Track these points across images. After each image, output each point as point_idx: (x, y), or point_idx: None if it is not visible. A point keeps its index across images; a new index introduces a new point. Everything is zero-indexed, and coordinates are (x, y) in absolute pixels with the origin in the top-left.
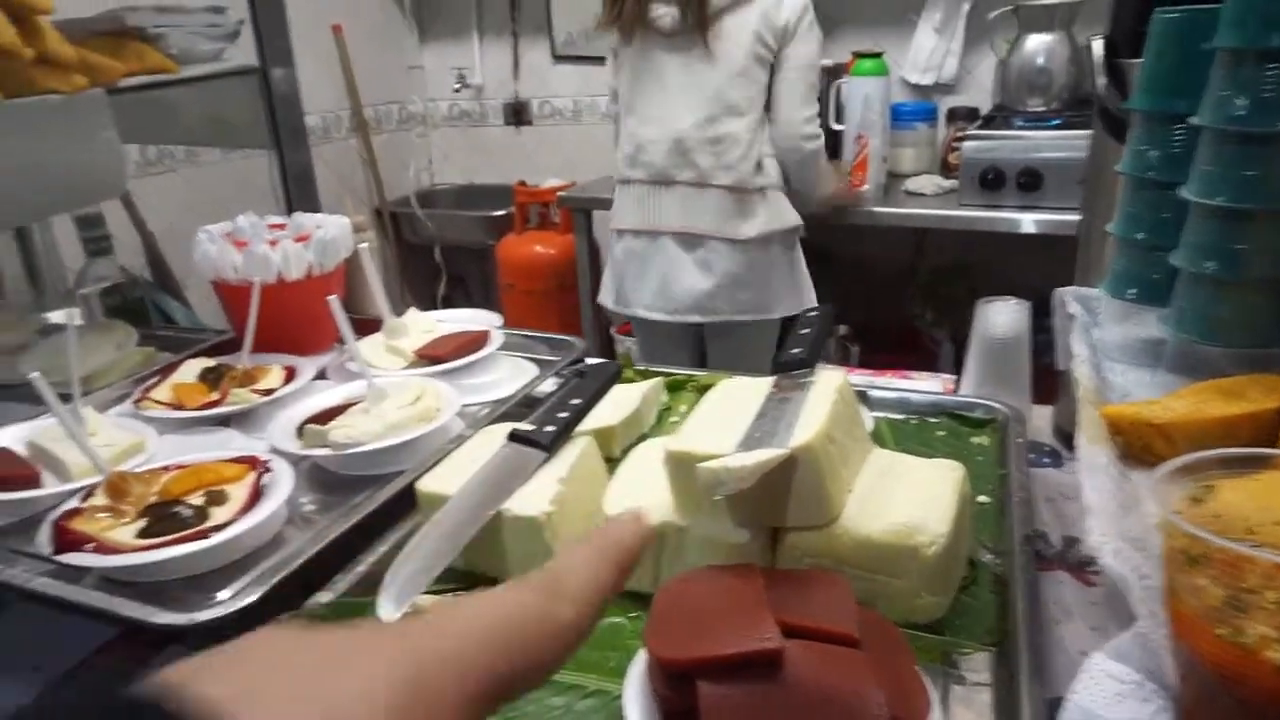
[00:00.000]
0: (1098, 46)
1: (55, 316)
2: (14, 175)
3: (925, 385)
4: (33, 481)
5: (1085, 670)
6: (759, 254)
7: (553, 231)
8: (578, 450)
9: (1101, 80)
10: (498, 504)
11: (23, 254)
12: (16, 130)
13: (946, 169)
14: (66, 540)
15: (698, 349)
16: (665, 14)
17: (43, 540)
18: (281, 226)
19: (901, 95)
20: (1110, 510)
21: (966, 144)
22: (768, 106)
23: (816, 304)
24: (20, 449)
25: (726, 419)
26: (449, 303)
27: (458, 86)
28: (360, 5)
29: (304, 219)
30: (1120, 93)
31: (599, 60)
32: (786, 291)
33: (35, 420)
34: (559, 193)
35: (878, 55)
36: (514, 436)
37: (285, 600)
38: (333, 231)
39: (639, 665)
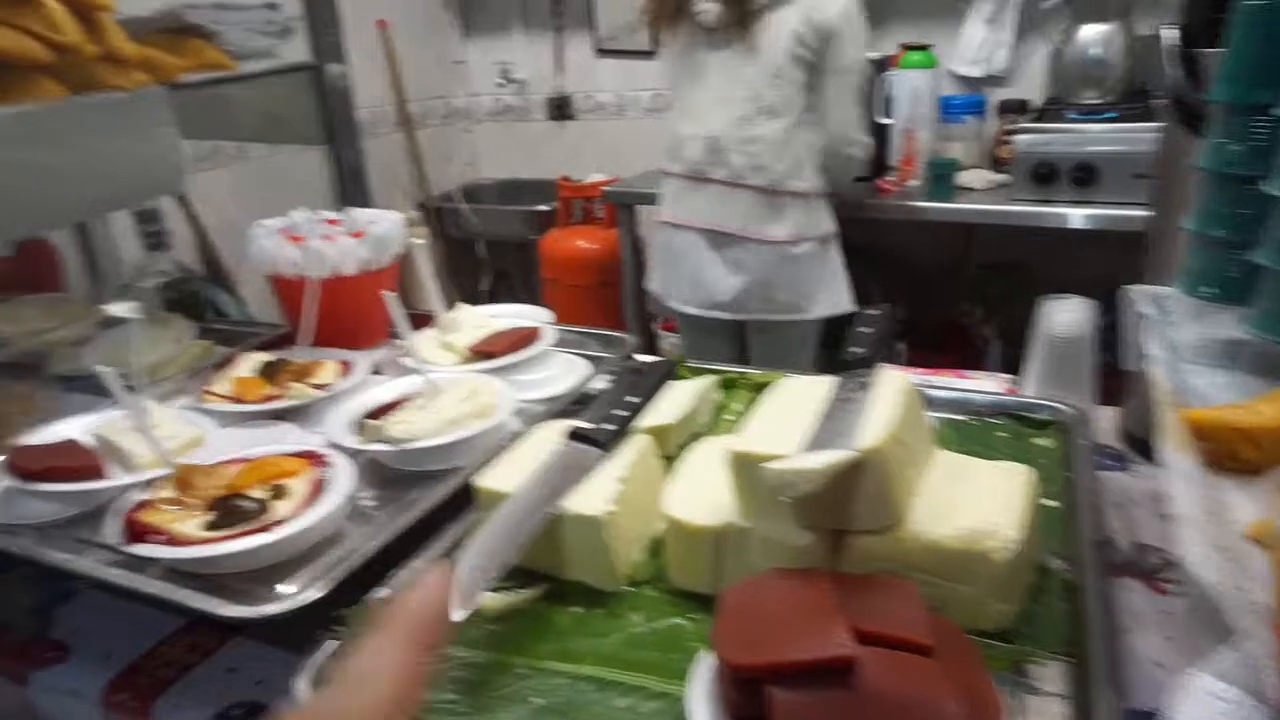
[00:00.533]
0: (1169, 36)
1: (115, 309)
2: (78, 171)
3: (984, 385)
4: (99, 473)
5: (1186, 689)
6: (790, 256)
7: (596, 226)
8: (636, 449)
9: (1174, 71)
10: (557, 502)
11: (82, 248)
12: (80, 127)
13: (997, 163)
14: (136, 532)
15: (739, 345)
16: (708, 9)
17: (113, 531)
18: (336, 222)
19: (949, 88)
20: (1198, 519)
21: (1019, 138)
22: (809, 108)
23: (853, 306)
24: (85, 440)
25: (789, 419)
26: (493, 297)
27: (501, 81)
28: (405, 1)
29: (358, 214)
30: (1194, 84)
31: (642, 54)
32: (821, 294)
33: (99, 412)
34: (603, 187)
35: (926, 48)
36: (572, 434)
37: (346, 594)
38: (386, 227)
39: (703, 668)
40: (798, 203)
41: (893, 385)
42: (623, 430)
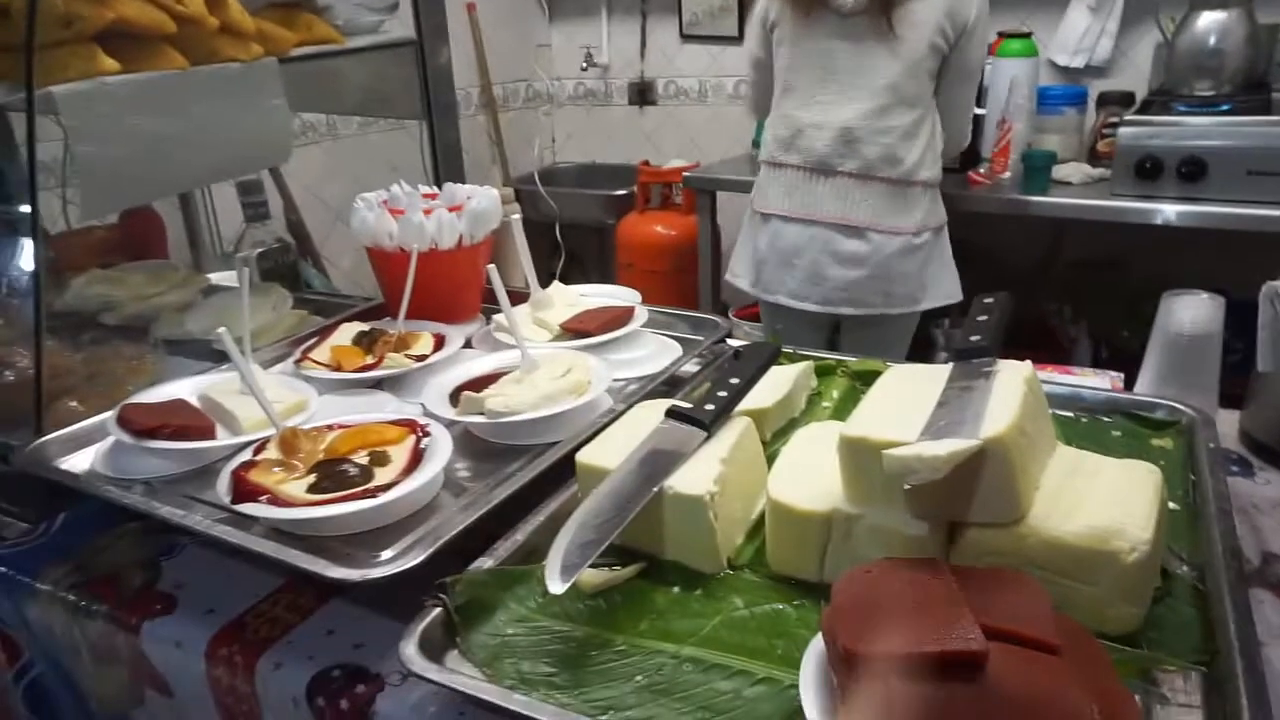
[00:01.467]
0: None
1: (216, 277)
2: (196, 140)
3: (1092, 382)
4: (208, 433)
5: None
6: (913, 247)
7: (674, 212)
8: (737, 431)
9: None
10: (659, 481)
11: (184, 217)
12: (198, 97)
13: (1095, 157)
14: (244, 491)
15: (829, 338)
16: None
17: (222, 489)
18: (433, 196)
19: (1046, 78)
20: None
21: (1123, 130)
22: (933, 96)
23: (962, 295)
24: (193, 401)
25: (904, 406)
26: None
27: (584, 65)
28: None
29: (456, 190)
30: None
31: (727, 40)
32: (935, 284)
33: (204, 375)
34: (684, 173)
35: (1026, 36)
36: (673, 414)
37: (443, 562)
38: (484, 203)
39: (815, 654)
40: (925, 193)
41: (1016, 375)
42: (724, 411)
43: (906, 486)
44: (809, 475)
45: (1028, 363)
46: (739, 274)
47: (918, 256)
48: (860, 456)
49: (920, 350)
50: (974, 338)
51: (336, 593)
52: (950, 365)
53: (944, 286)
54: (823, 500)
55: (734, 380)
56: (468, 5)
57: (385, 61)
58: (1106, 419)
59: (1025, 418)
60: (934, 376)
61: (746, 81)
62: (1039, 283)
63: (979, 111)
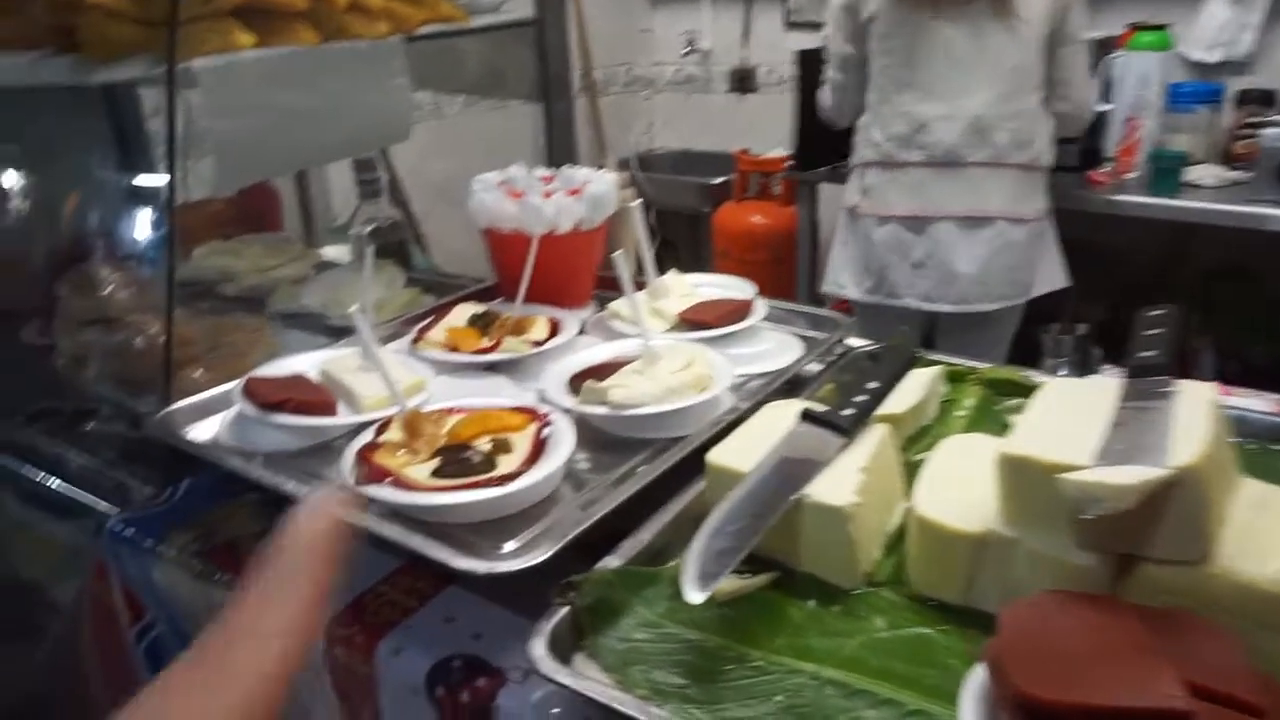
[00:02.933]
0: None
1: (328, 252)
2: (324, 116)
3: (1250, 404)
4: (330, 409)
5: None
6: (1038, 233)
7: (773, 202)
8: (877, 438)
9: None
10: (797, 488)
11: (298, 190)
12: (327, 73)
13: (1231, 159)
14: (370, 473)
15: (927, 335)
16: None
17: (346, 469)
18: (550, 179)
19: (1179, 74)
20: None
21: (1266, 131)
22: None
23: (1069, 281)
24: (313, 376)
25: (1071, 424)
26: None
27: (686, 51)
28: None
29: (573, 173)
30: None
31: None
32: (1049, 270)
33: (324, 350)
34: (785, 163)
35: (1161, 28)
36: (809, 416)
37: (563, 556)
38: (602, 187)
39: (975, 692)
40: (1044, 177)
41: (1199, 398)
42: (863, 417)
43: (1086, 516)
44: (957, 491)
45: (1212, 384)
46: (845, 284)
47: (1039, 243)
48: (1023, 476)
49: (1026, 357)
50: (1148, 353)
51: (453, 579)
52: (1118, 382)
53: (1052, 273)
54: (974, 519)
55: (872, 384)
56: None
57: (503, 41)
58: (1276, 447)
59: (1214, 447)
60: (1100, 394)
61: (829, 84)
62: (1160, 290)
63: (1104, 107)
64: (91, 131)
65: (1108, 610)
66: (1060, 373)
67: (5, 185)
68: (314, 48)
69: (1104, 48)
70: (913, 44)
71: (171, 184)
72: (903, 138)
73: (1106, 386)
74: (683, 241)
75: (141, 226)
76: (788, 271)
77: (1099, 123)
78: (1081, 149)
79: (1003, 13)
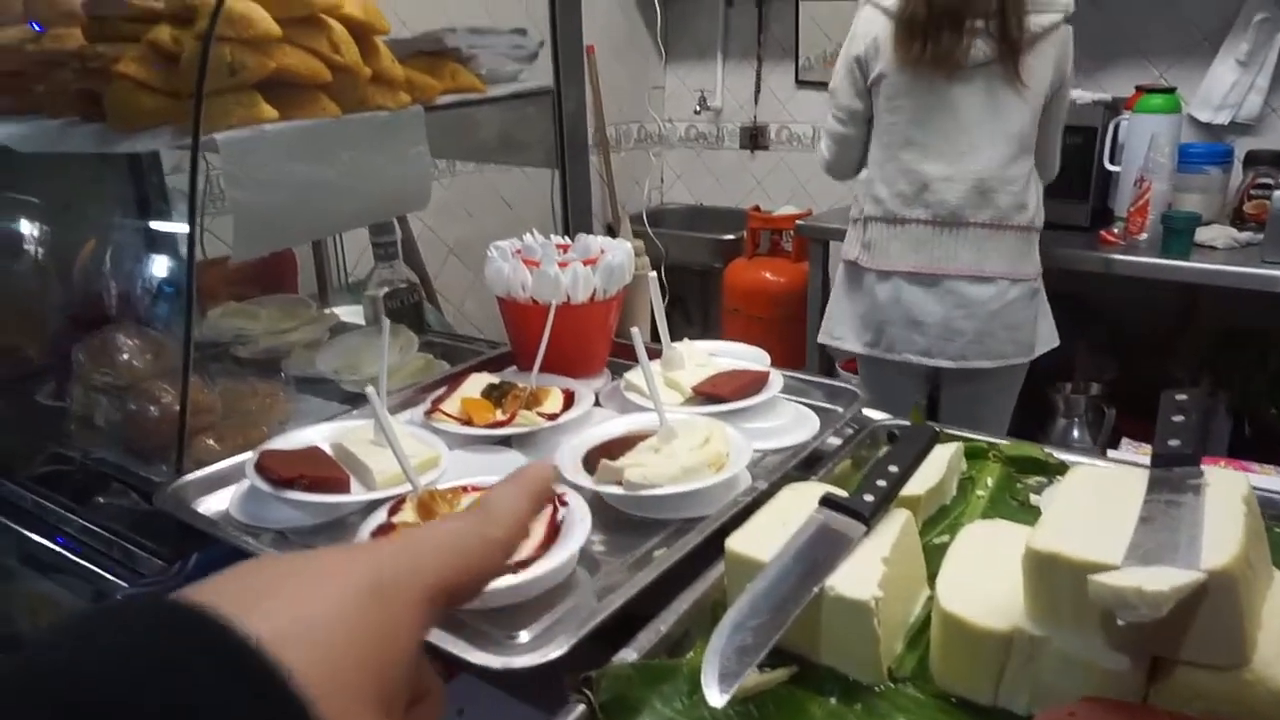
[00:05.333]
0: None
1: (343, 313)
2: (345, 185)
3: (1275, 484)
4: (343, 486)
5: None
6: (1035, 292)
7: (784, 259)
8: (898, 525)
9: None
10: (819, 580)
11: (314, 252)
12: (349, 143)
13: (1241, 219)
14: None
15: (931, 392)
16: (978, 47)
17: None
18: (566, 247)
19: (1189, 135)
20: None
21: (1278, 193)
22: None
23: (1058, 341)
24: (324, 447)
25: (1098, 516)
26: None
27: (698, 108)
28: (612, 27)
29: (590, 241)
30: None
31: None
32: (1044, 330)
33: (337, 420)
34: (797, 221)
35: (1169, 91)
36: (829, 503)
37: (582, 648)
38: (618, 257)
39: None
40: (1039, 237)
41: (1231, 491)
42: (884, 503)
43: (1120, 623)
44: (981, 582)
45: (1244, 475)
46: (842, 336)
47: (1035, 301)
48: (1050, 573)
49: (1037, 417)
50: (1173, 442)
51: (465, 666)
52: (1146, 472)
53: (1046, 332)
54: (1001, 615)
55: (892, 468)
56: (587, 47)
57: (520, 109)
58: None
59: (1249, 544)
60: (1128, 484)
61: (830, 135)
62: (1171, 351)
63: (1113, 168)
64: (113, 190)
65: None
66: (1074, 434)
67: (26, 243)
68: (336, 119)
69: (1112, 110)
70: (921, 104)
71: (191, 254)
72: (907, 195)
73: (1132, 477)
74: (693, 297)
75: (160, 290)
76: (798, 328)
77: (1108, 182)
78: (1092, 208)
79: (1013, 79)
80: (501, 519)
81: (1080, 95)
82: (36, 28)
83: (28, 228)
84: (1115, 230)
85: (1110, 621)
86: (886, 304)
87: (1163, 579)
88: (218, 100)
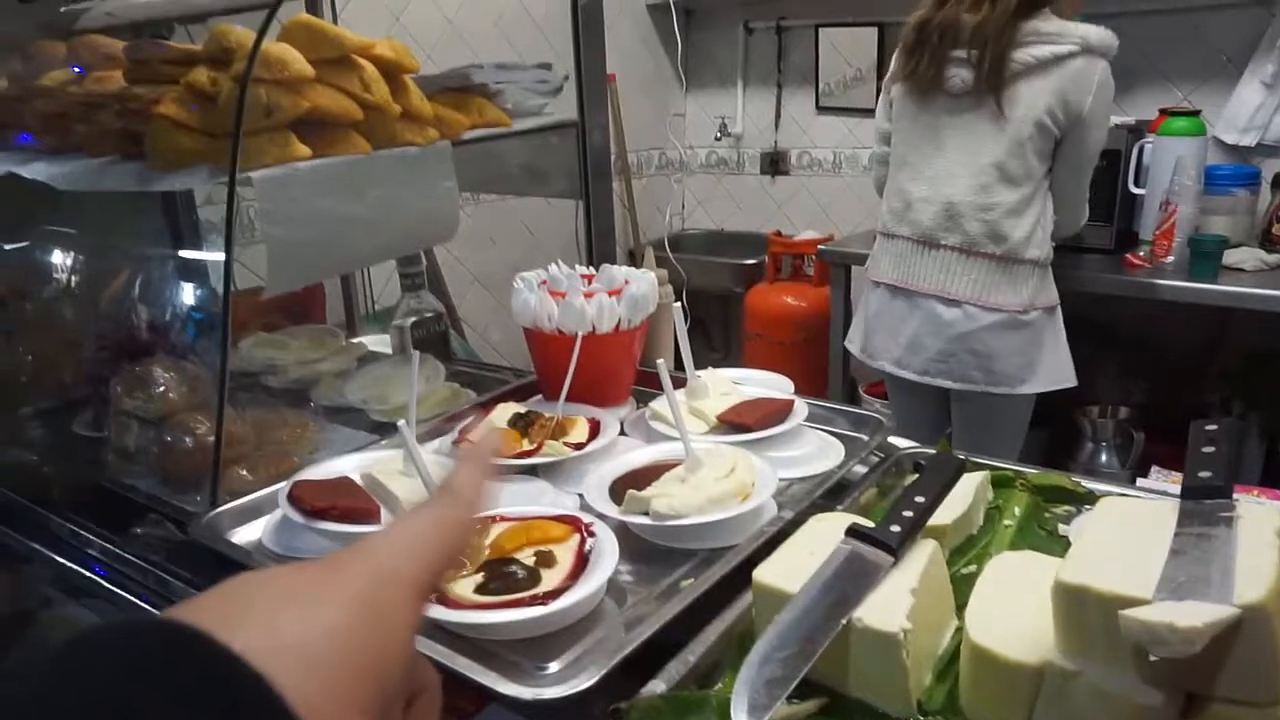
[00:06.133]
0: None
1: (369, 342)
2: (372, 220)
3: None
4: (374, 517)
5: None
6: (1019, 324)
7: (805, 284)
8: (925, 556)
9: None
10: (847, 612)
11: (341, 282)
12: (379, 179)
13: (1270, 241)
14: None
15: (945, 415)
16: (957, 75)
17: None
18: (591, 278)
19: (1214, 157)
20: None
21: None
22: (1045, 176)
23: (1074, 381)
24: (354, 477)
25: (1128, 550)
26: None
27: (719, 135)
28: (633, 56)
29: (614, 272)
30: None
31: (862, 112)
32: (1045, 366)
33: (367, 451)
34: (819, 245)
35: (1194, 113)
36: (856, 534)
37: (610, 678)
38: (643, 287)
39: None
40: (1034, 271)
41: (1263, 523)
42: (911, 534)
43: (1153, 658)
44: (1010, 614)
45: (1277, 506)
46: (852, 339)
47: (1023, 335)
48: (1081, 606)
49: (1064, 442)
50: (1204, 474)
51: (496, 697)
52: (1177, 503)
53: (1055, 371)
54: (1031, 648)
55: (919, 498)
56: (608, 75)
57: (545, 141)
58: None
59: None
60: (1159, 515)
61: (872, 155)
62: (1200, 374)
63: (1138, 192)
64: (147, 224)
65: None
66: (1101, 458)
67: (64, 276)
68: (367, 156)
69: (1135, 133)
70: (914, 127)
71: (227, 289)
72: (897, 213)
73: (1162, 509)
74: (714, 322)
75: (194, 322)
76: (820, 353)
77: (1133, 206)
78: (1116, 231)
79: (990, 111)
80: (465, 499)
81: None
82: (79, 70)
83: (66, 261)
84: (1141, 254)
85: (1142, 656)
86: (874, 312)
87: (1195, 614)
88: (253, 139)
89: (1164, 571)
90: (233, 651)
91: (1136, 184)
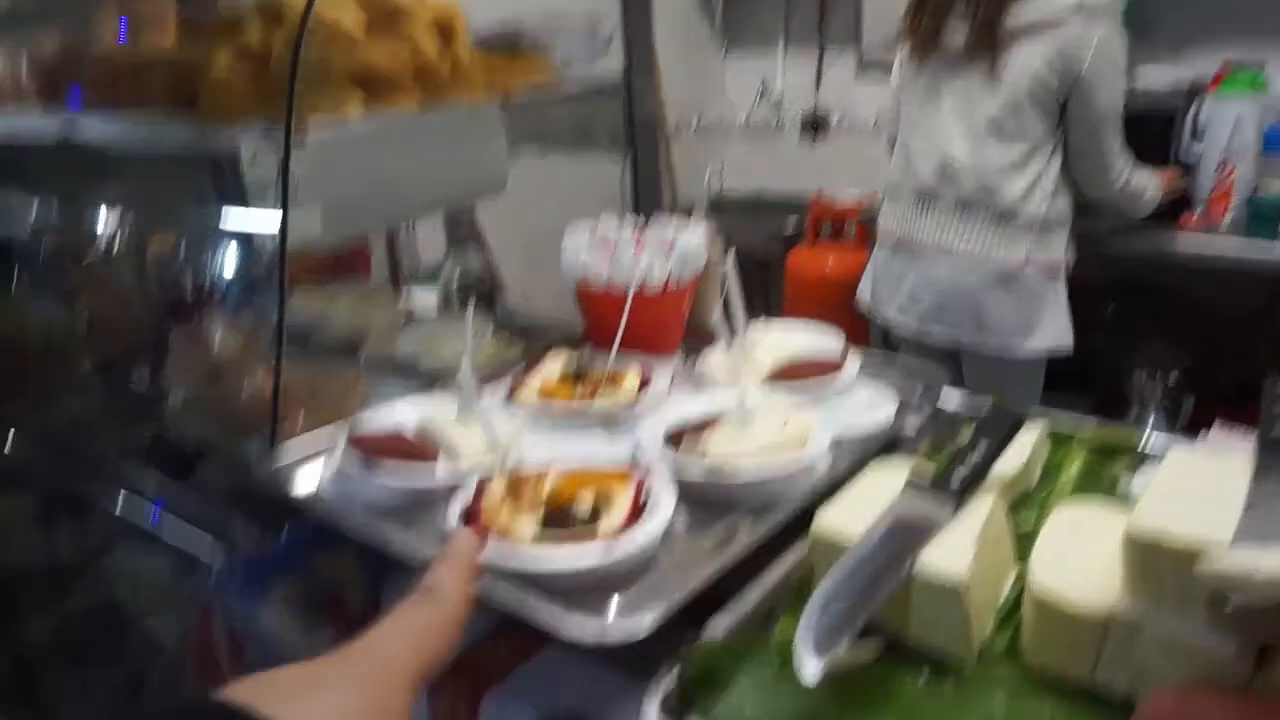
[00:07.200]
0: None
1: (417, 299)
2: (422, 176)
3: None
4: (430, 465)
5: None
6: (1011, 279)
7: (846, 247)
8: (987, 506)
9: None
10: (908, 559)
11: (386, 239)
12: (428, 136)
13: None
14: (475, 530)
15: (958, 377)
16: (954, 34)
17: (451, 526)
18: (641, 233)
19: (1273, 116)
20: None
21: None
22: (1051, 134)
23: (1071, 344)
24: (411, 428)
25: (1201, 501)
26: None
27: (758, 96)
28: (673, 17)
29: (665, 226)
30: None
31: None
32: (1042, 327)
33: (420, 401)
34: (861, 208)
35: (1256, 70)
36: (916, 484)
37: (666, 624)
38: (694, 242)
39: None
40: (1031, 228)
41: None
42: (973, 483)
43: (1228, 610)
44: (1076, 564)
45: None
46: (863, 291)
47: (1016, 293)
48: (1152, 555)
49: (1110, 406)
50: (1277, 433)
51: (550, 637)
52: (1247, 457)
53: (1053, 333)
54: (1097, 596)
55: (979, 449)
56: None
57: (593, 99)
58: None
59: None
60: (1229, 468)
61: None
62: (1252, 339)
63: (1195, 152)
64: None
65: (1259, 711)
66: (1149, 420)
67: (119, 235)
68: (417, 113)
69: (1194, 90)
70: (917, 85)
71: (283, 245)
72: (900, 168)
73: (1233, 461)
74: (752, 286)
75: (248, 277)
76: (859, 316)
77: (1192, 167)
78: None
79: (985, 70)
80: (450, 599)
81: (1159, 77)
82: (131, 31)
83: (119, 221)
84: (1196, 215)
85: (1217, 605)
86: (880, 265)
87: (1278, 561)
88: (306, 96)
89: (1240, 523)
90: None
91: (1194, 143)
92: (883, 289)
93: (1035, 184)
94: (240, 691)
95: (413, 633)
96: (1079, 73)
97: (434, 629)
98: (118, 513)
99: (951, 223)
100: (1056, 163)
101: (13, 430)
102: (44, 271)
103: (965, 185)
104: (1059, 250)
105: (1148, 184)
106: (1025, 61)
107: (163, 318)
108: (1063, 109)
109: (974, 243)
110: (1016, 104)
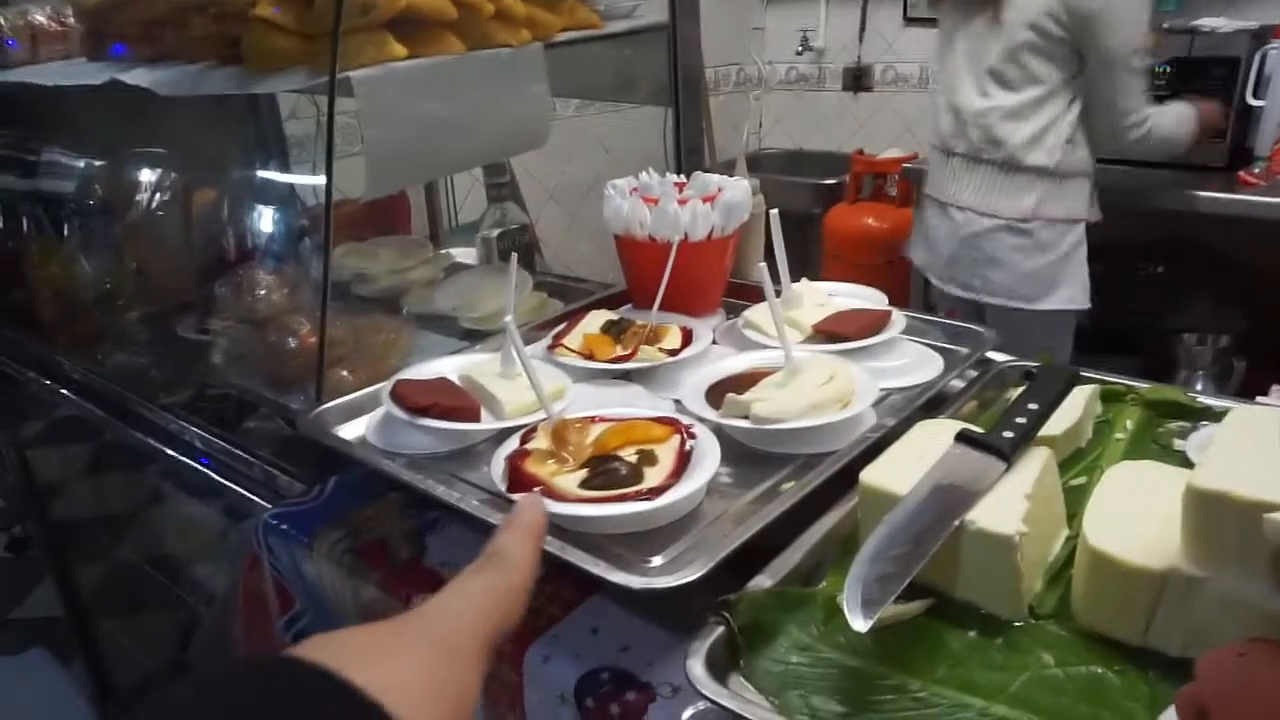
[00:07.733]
0: None
1: (456, 253)
2: (466, 123)
3: None
4: (475, 415)
5: None
6: (1018, 234)
7: (888, 204)
8: (1039, 463)
9: None
10: (960, 514)
11: (426, 193)
12: (472, 81)
13: None
14: (520, 481)
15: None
16: None
17: (496, 476)
18: (682, 185)
19: None
20: None
21: None
22: (1066, 82)
23: (1088, 304)
24: (454, 379)
25: (1265, 458)
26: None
27: (799, 49)
28: None
29: (707, 179)
30: None
31: None
32: (1056, 284)
33: (463, 354)
34: (904, 164)
35: None
36: (966, 439)
37: (712, 576)
38: (737, 194)
39: None
40: (1039, 179)
41: None
42: (1024, 440)
43: None
44: (1131, 522)
45: None
46: (909, 248)
47: (1023, 246)
48: (1214, 512)
49: (1158, 370)
50: None
51: (597, 588)
52: None
53: (1065, 289)
54: (1154, 554)
55: (1032, 406)
56: None
57: (637, 45)
58: None
59: None
60: None
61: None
62: None
63: (1257, 104)
64: (243, 134)
65: None
66: (1198, 385)
67: (164, 187)
68: (461, 56)
69: (1258, 39)
70: (940, 38)
71: (329, 191)
72: (931, 123)
73: None
74: (792, 243)
75: (292, 229)
76: (900, 275)
77: (1250, 119)
78: (1230, 146)
79: (988, 15)
80: (517, 566)
81: (1223, 24)
82: None
83: (164, 171)
84: (1256, 171)
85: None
86: (917, 221)
87: None
88: (351, 39)
89: None
90: (355, 685)
91: (1256, 95)
92: (918, 244)
93: (1044, 132)
94: (312, 650)
95: (481, 599)
96: (1087, 11)
97: (501, 595)
98: (166, 464)
99: (963, 174)
100: (1074, 112)
101: (64, 382)
102: (92, 223)
103: (972, 135)
104: (1076, 204)
105: (1176, 130)
106: (1027, 6)
107: (209, 267)
108: (1081, 55)
109: (979, 193)
110: (1016, 49)
